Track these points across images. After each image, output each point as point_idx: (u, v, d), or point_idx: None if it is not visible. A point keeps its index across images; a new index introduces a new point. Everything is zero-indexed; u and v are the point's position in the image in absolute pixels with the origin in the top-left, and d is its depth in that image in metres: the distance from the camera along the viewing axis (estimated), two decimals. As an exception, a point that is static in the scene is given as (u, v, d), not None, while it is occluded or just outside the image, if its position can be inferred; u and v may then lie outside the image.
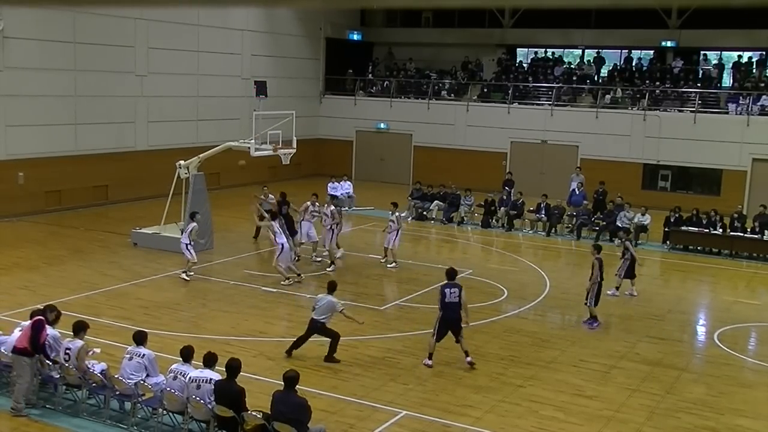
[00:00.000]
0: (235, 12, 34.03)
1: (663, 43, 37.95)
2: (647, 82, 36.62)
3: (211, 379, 10.52)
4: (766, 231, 24.81)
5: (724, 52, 38.42)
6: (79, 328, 11.76)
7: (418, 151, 38.13)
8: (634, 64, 39.38)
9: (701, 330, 18.04)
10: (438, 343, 14.14)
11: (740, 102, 33.37)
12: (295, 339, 14.31)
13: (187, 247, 19.26)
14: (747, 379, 14.32)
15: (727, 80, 36.69)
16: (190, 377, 10.69)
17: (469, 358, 14.10)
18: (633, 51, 39.83)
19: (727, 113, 33.41)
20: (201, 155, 22.69)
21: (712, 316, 18.89)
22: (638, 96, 35.51)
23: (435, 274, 20.68)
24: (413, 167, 37.91)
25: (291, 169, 26.96)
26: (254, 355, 14.13)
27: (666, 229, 26.04)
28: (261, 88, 23.31)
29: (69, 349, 11.53)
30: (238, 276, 19.76)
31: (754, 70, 36.38)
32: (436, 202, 29.37)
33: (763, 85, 34.51)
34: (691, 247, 25.46)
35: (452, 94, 39.17)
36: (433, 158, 36.71)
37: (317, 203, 21.91)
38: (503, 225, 28.04)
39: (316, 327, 14.04)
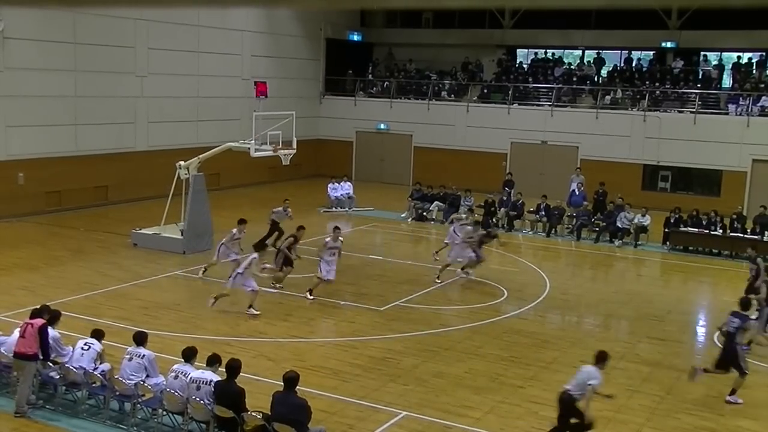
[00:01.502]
0: (235, 12, 34.03)
1: (663, 44, 37.94)
2: (647, 82, 36.63)
3: (211, 381, 10.53)
4: (766, 232, 24.82)
5: (723, 53, 38.41)
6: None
7: (418, 151, 38.14)
8: (634, 64, 39.38)
9: (701, 331, 18.06)
10: (441, 342, 14.12)
11: (740, 103, 33.38)
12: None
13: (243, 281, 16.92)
14: (747, 380, 14.29)
15: (727, 81, 36.68)
16: (191, 377, 10.70)
17: None
18: (633, 52, 39.83)
19: (727, 114, 33.42)
20: (201, 156, 22.70)
21: (712, 317, 18.88)
22: (638, 97, 35.52)
23: (433, 275, 20.71)
24: (413, 168, 37.92)
25: (291, 169, 26.99)
26: (254, 356, 14.13)
27: (666, 230, 26.04)
28: (262, 88, 23.32)
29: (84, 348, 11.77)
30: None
31: (754, 71, 36.36)
32: (436, 202, 29.37)
33: (762, 86, 34.50)
34: (691, 248, 25.46)
35: (452, 95, 39.18)
36: (433, 159, 36.71)
37: (340, 237, 18.70)
38: (503, 226, 28.04)
39: (562, 400, 11.07)
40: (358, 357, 14.48)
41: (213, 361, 10.85)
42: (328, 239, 18.41)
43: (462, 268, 20.66)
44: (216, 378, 10.59)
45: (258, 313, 16.69)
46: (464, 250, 20.63)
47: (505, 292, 19.52)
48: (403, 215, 29.54)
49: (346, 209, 30.22)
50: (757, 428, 12.13)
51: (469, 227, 21.07)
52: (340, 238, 18.62)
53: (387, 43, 43.39)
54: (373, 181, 37.50)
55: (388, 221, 28.78)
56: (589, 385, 10.80)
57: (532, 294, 19.49)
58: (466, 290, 19.76)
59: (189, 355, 11.11)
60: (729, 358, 13.23)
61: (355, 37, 42.47)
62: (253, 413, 10.23)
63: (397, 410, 12.15)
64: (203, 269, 19.67)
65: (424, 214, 29.30)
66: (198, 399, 10.47)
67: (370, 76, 41.89)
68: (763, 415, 12.62)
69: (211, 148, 23.32)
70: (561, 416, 11.05)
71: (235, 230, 19.22)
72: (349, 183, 31.71)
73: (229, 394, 10.30)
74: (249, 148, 22.05)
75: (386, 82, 40.74)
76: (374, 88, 40.78)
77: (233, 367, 10.46)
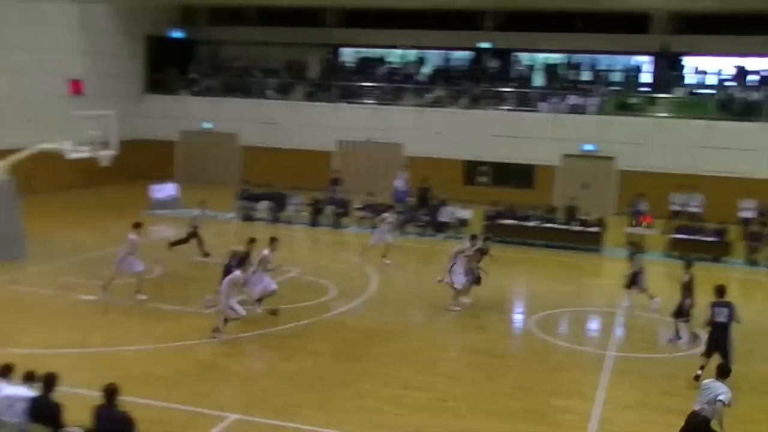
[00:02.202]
0: (48, 6, 32.22)
1: (479, 45, 39.58)
2: (466, 82, 38.09)
3: (26, 397, 9.96)
4: (574, 222, 26.53)
5: (535, 54, 40.61)
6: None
7: (244, 150, 37.75)
8: (453, 64, 40.83)
9: (519, 318, 19.04)
10: (270, 342, 14.07)
11: (550, 101, 35.43)
12: None
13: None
14: (560, 362, 15.25)
15: (538, 80, 38.81)
16: (4, 395, 10.07)
17: None
18: (452, 52, 41.28)
19: (538, 111, 35.36)
20: (10, 158, 21.37)
21: (528, 304, 19.97)
22: (458, 95, 36.87)
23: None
24: (240, 167, 37.48)
25: (112, 172, 25.90)
26: (73, 368, 13.48)
27: (486, 223, 27.23)
28: (76, 87, 22.26)
29: None
30: (55, 285, 18.78)
31: (561, 71, 38.74)
32: (263, 202, 29.21)
33: (570, 85, 36.83)
34: (508, 239, 26.75)
35: (279, 94, 39.06)
36: (261, 158, 36.44)
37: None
38: (331, 223, 28.32)
39: (695, 423, 10.47)
40: (185, 362, 14.17)
41: (29, 377, 10.27)
42: (265, 252, 17.19)
43: (456, 294, 18.49)
44: (31, 394, 10.04)
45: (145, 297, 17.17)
46: (384, 234, 22.77)
47: (334, 288, 19.72)
48: (230, 215, 29.15)
49: (171, 211, 29.41)
50: (572, 406, 12.92)
51: (467, 243, 19.28)
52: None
53: (211, 40, 42.57)
54: (200, 182, 36.72)
55: (216, 222, 28.29)
56: (719, 400, 10.26)
57: (360, 290, 19.80)
58: (295, 289, 19.77)
59: (3, 371, 10.46)
60: (719, 346, 13.85)
61: (177, 35, 41.37)
62: (69, 429, 9.77)
63: (227, 414, 12.00)
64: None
65: (251, 213, 29.06)
66: (9, 418, 9.87)
67: (193, 74, 40.97)
68: (577, 394, 13.47)
69: (21, 150, 21.99)
70: None
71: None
72: (173, 185, 30.89)
73: (45, 409, 9.78)
74: (64, 150, 21.00)
75: (210, 81, 40.00)
76: (198, 87, 39.93)
77: (49, 381, 9.95)
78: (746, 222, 28.14)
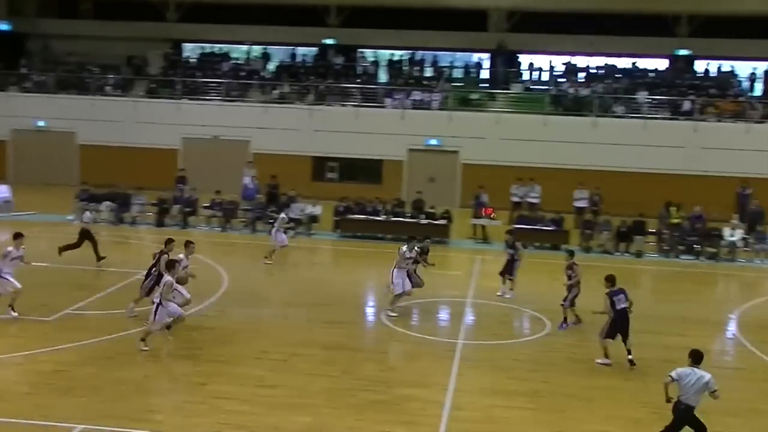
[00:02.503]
0: None
1: (324, 41, 39.77)
2: (311, 77, 38.16)
3: None
4: (421, 215, 27.19)
5: (379, 51, 41.27)
6: None
7: (83, 149, 36.16)
8: (298, 60, 40.79)
9: (371, 311, 19.30)
10: (120, 348, 13.57)
11: (395, 97, 36.10)
12: None
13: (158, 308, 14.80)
14: (412, 352, 15.61)
15: (383, 77, 39.44)
16: None
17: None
18: (297, 48, 41.23)
19: (384, 107, 35.94)
20: None
21: (379, 297, 20.24)
22: (304, 91, 36.88)
23: (108, 278, 19.90)
24: (79, 167, 35.85)
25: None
26: None
27: (336, 218, 27.44)
28: None
29: None
30: None
31: (405, 68, 39.56)
32: (106, 202, 28.10)
33: (413, 81, 37.68)
34: (359, 234, 27.06)
35: (118, 90, 37.66)
36: (101, 157, 35.01)
37: (22, 246, 16.99)
38: (178, 223, 27.64)
39: (680, 411, 10.98)
40: (24, 374, 13.44)
41: None
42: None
43: (396, 296, 18.13)
44: None
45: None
46: (280, 234, 22.79)
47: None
48: (70, 217, 27.85)
49: (4, 215, 27.76)
50: (425, 395, 13.25)
51: (403, 247, 18.58)
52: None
53: (42, 34, 40.49)
54: (36, 182, 34.85)
55: (54, 225, 26.96)
56: (713, 391, 10.95)
57: (211, 290, 19.46)
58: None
59: None
60: (623, 330, 14.80)
61: (3, 27, 39.01)
62: None
63: (73, 425, 11.50)
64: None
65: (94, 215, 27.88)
66: None
67: (23, 69, 38.78)
68: (428, 383, 13.82)
69: None
70: (676, 427, 11.01)
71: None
72: (5, 186, 29.17)
73: None
74: None
75: (43, 76, 38.01)
76: (29, 83, 37.85)
77: None
78: (580, 211, 29.82)
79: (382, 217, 27.14)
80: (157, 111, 36.16)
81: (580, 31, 38.04)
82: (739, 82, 38.11)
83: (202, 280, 20.42)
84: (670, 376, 11.03)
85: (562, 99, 36.29)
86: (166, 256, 16.46)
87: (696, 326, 17.61)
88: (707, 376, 10.96)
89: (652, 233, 26.86)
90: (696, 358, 11.21)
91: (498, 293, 19.87)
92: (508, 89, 37.65)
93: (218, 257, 23.39)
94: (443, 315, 19.06)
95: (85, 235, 21.68)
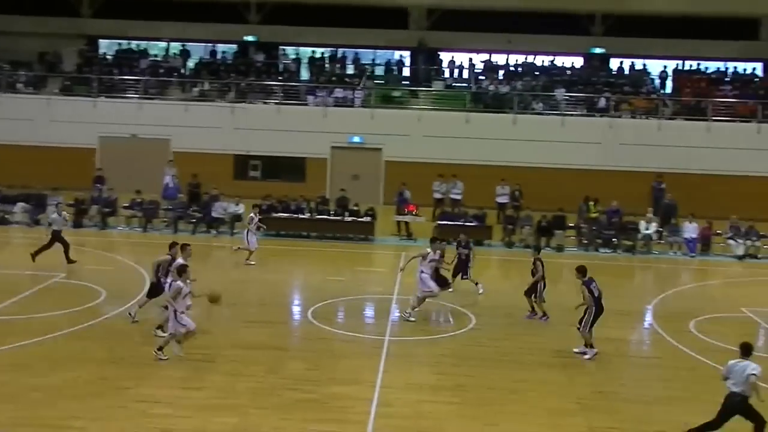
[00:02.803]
0: None
1: (245, 38, 39.37)
2: (232, 75, 37.73)
3: None
4: (346, 213, 27.20)
5: (300, 48, 41.11)
6: None
7: (-6, 149, 34.92)
8: (219, 58, 40.29)
9: (297, 309, 19.22)
10: (38, 352, 13.15)
11: (317, 94, 36.00)
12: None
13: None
14: (339, 350, 15.60)
15: (305, 74, 39.29)
16: None
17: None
18: (217, 45, 40.72)
19: (307, 105, 35.79)
20: None
21: (305, 295, 20.22)
22: (225, 89, 36.44)
23: (23, 282, 19.28)
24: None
25: None
26: None
27: (259, 217, 27.14)
28: None
29: None
30: None
31: (327, 65, 39.49)
32: (20, 204, 27.20)
33: (335, 78, 37.64)
34: (283, 232, 26.89)
35: (30, 87, 36.48)
36: (13, 156, 33.79)
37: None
38: (97, 224, 26.98)
39: (735, 403, 11.22)
40: (-63, 383, 12.91)
41: None
42: (180, 260, 15.78)
43: (420, 299, 17.80)
44: None
45: None
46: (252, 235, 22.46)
47: (103, 292, 18.82)
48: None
49: None
50: (352, 392, 13.27)
51: (428, 249, 18.21)
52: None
53: (-53, 29, 38.90)
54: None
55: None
56: (752, 374, 10.95)
57: (133, 291, 19.02)
58: (61, 295, 18.66)
59: None
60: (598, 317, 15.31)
61: None
62: None
63: (-10, 434, 11.13)
64: None
65: (6, 216, 26.99)
66: None
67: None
68: (356, 380, 13.83)
69: None
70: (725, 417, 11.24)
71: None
72: None
73: None
74: None
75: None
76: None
77: None
78: (502, 207, 30.32)
79: (306, 216, 27.04)
80: (72, 109, 35.16)
81: (498, 29, 38.69)
82: (651, 79, 39.34)
83: (123, 282, 20.04)
84: (722, 374, 11.47)
85: (483, 96, 36.81)
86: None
87: (615, 317, 18.04)
88: (753, 365, 11.16)
89: (571, 227, 27.51)
90: (745, 351, 11.43)
91: (480, 292, 20.00)
92: (430, 87, 37.98)
93: (140, 258, 22.89)
94: (369, 312, 19.09)
95: (57, 236, 21.26)
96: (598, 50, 39.87)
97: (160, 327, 15.66)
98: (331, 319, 17.73)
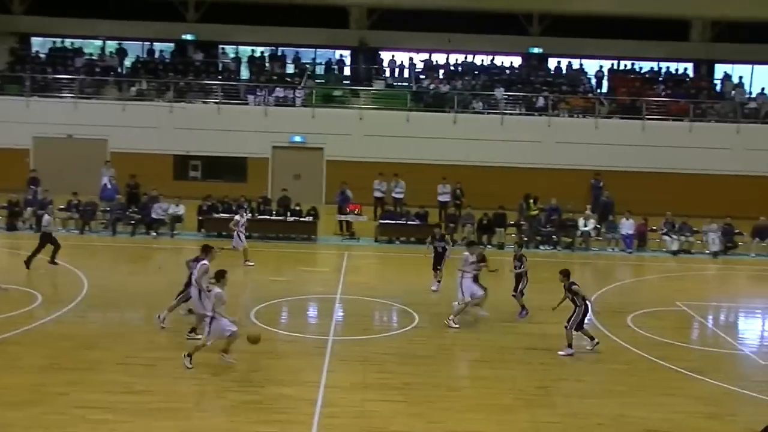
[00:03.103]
0: None
1: (183, 37, 38.87)
2: (171, 74, 37.20)
3: None
4: (288, 213, 27.08)
5: (240, 47, 40.77)
6: None
7: None
8: (156, 56, 39.69)
9: (238, 311, 19.01)
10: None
11: (258, 94, 35.73)
12: None
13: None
14: (282, 351, 15.52)
15: (245, 73, 38.96)
16: None
17: None
18: (155, 43, 40.11)
19: (247, 104, 35.50)
20: None
21: (247, 296, 20.01)
22: (164, 88, 35.91)
23: None
24: None
25: None
26: None
27: (200, 218, 26.89)
28: None
29: None
30: None
31: (267, 64, 39.23)
32: (-51, 206, 26.44)
33: (276, 78, 37.42)
34: (224, 233, 26.56)
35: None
36: (-58, 158, 32.84)
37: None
38: (32, 226, 26.32)
39: None
40: None
41: None
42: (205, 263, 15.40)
43: (465, 304, 17.53)
44: None
45: None
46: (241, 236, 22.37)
47: (39, 296, 18.38)
48: None
49: None
50: (295, 393, 13.21)
51: (465, 253, 17.78)
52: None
53: None
54: None
55: None
56: None
57: (70, 295, 18.65)
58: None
59: None
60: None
61: None
62: None
63: None
64: None
65: (-64, 220, 26.20)
66: None
67: None
68: (298, 381, 13.78)
69: None
70: None
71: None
72: None
73: None
74: None
75: None
76: None
77: None
78: (443, 205, 30.54)
79: (248, 216, 26.79)
80: (4, 109, 34.22)
81: (438, 28, 38.96)
82: (588, 79, 40.08)
83: (59, 285, 19.62)
84: None
85: (423, 95, 37.01)
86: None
87: (555, 313, 18.35)
88: None
89: (512, 225, 27.87)
90: None
91: (433, 288, 20.03)
92: (371, 86, 38.04)
93: (77, 261, 22.45)
94: (312, 312, 19.05)
95: (47, 238, 21.17)
96: (536, 50, 40.45)
97: (194, 330, 15.55)
98: (274, 320, 17.64)
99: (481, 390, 13.68)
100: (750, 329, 19.44)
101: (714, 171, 34.23)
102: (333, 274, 21.95)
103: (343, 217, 27.81)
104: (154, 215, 26.60)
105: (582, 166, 33.54)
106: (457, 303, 17.65)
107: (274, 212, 27.32)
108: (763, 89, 39.16)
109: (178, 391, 13.09)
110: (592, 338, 15.94)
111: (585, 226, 27.59)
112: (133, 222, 26.80)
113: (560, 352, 15.58)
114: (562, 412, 12.81)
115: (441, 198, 30.88)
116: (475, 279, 17.79)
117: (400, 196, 30.98)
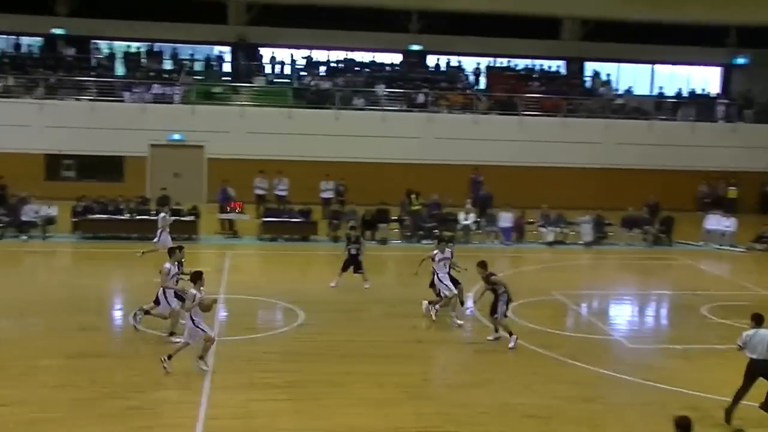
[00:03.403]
0: None
1: (53, 31, 37.35)
2: (40, 70, 35.68)
3: None
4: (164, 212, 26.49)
5: (114, 42, 39.51)
6: None
7: None
8: (24, 51, 37.99)
9: (119, 314, 18.48)
10: None
11: (134, 90, 34.72)
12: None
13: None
14: (164, 353, 15.14)
15: (120, 70, 37.79)
16: None
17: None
18: (22, 37, 38.37)
19: (123, 101, 34.44)
20: None
21: (127, 299, 19.46)
22: (32, 84, 34.40)
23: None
24: None
25: None
26: None
27: (74, 219, 25.94)
28: None
29: None
30: None
31: (144, 60, 38.19)
32: None
33: (153, 74, 36.47)
34: (101, 235, 25.78)
35: None
36: None
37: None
38: None
39: (762, 367, 12.08)
40: None
41: None
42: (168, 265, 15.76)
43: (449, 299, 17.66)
44: None
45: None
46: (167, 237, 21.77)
47: None
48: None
49: None
50: (178, 396, 12.95)
51: (434, 251, 18.00)
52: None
53: None
54: None
55: None
56: None
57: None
58: None
59: None
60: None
61: None
62: None
63: None
64: None
65: None
66: None
67: None
68: (181, 383, 13.49)
69: None
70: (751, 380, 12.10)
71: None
72: None
73: None
74: None
75: None
76: None
77: None
78: (326, 202, 30.58)
79: (125, 216, 26.07)
80: None
81: (319, 25, 38.95)
82: (466, 76, 40.99)
83: None
84: (738, 344, 12.26)
85: (305, 92, 36.90)
86: (168, 267, 15.85)
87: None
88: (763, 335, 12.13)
89: (394, 220, 28.19)
90: (758, 320, 12.34)
91: (331, 284, 20.05)
92: (251, 83, 37.63)
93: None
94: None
95: None
96: (415, 47, 41.02)
97: (173, 333, 15.36)
98: (156, 322, 17.19)
99: (366, 384, 13.78)
100: (620, 315, 20.38)
101: (586, 165, 35.70)
102: (215, 274, 21.59)
103: (225, 216, 27.42)
104: (24, 218, 25.46)
105: (462, 161, 34.29)
106: (426, 302, 17.85)
107: (153, 212, 26.63)
108: (629, 87, 41.17)
109: (53, 400, 12.57)
110: (496, 330, 16.33)
111: (465, 220, 28.24)
112: (1, 225, 25.56)
113: (510, 345, 15.81)
114: (445, 403, 13.07)
115: (324, 195, 30.91)
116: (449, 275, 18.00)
117: (284, 193, 30.81)
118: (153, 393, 13.04)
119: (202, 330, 13.93)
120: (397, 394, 13.36)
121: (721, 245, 28.45)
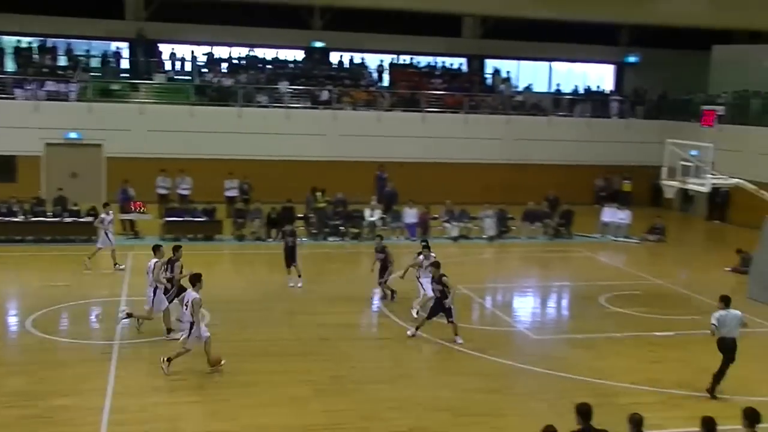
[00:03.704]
0: None
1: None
2: None
3: None
4: (64, 213, 25.63)
5: (3, 37, 37.95)
6: None
7: None
8: None
9: (13, 320, 17.77)
10: None
11: (26, 87, 33.37)
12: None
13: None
14: (64, 359, 14.68)
15: (10, 65, 36.28)
16: None
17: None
18: None
19: (14, 98, 33.05)
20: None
21: (22, 304, 18.76)
22: None
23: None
24: None
25: None
26: None
27: (-37, 223, 24.80)
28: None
29: None
30: None
31: (36, 56, 36.78)
32: None
33: (46, 70, 35.16)
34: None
35: None
36: None
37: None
38: None
39: (730, 345, 13.32)
40: None
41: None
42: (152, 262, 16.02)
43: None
44: None
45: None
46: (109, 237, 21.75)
47: None
48: None
49: None
50: (73, 403, 12.54)
51: (420, 257, 18.28)
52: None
53: None
54: None
55: None
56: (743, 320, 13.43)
57: None
58: None
59: None
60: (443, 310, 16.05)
61: None
62: None
63: None
64: None
65: None
66: None
67: None
68: (79, 390, 13.07)
69: None
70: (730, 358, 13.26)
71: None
72: None
73: None
74: None
75: None
76: None
77: None
78: (231, 200, 30.18)
79: (20, 218, 25.09)
80: None
81: (220, 21, 38.37)
82: (370, 73, 41.12)
83: None
84: (713, 324, 13.17)
85: (207, 89, 36.27)
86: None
87: (345, 303, 18.79)
88: (739, 312, 13.40)
89: (300, 218, 28.04)
90: (726, 301, 13.38)
91: (290, 284, 20.01)
92: (151, 79, 36.74)
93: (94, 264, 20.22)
94: (96, 316, 18.14)
95: None
96: (318, 44, 40.88)
97: (170, 330, 15.83)
98: (53, 327, 16.64)
99: (275, 384, 13.71)
100: (523, 307, 20.88)
101: (487, 160, 36.35)
102: (117, 276, 21.05)
103: (125, 216, 26.70)
104: None
105: (367, 158, 34.36)
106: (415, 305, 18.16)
107: (49, 213, 25.73)
108: (529, 84, 42.16)
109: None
110: (418, 328, 16.50)
111: (371, 216, 28.36)
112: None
113: (458, 341, 16.10)
114: (354, 399, 13.14)
115: (228, 193, 30.49)
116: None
117: (187, 192, 30.22)
118: (52, 400, 12.63)
119: (204, 335, 13.93)
120: (305, 392, 13.34)
121: (616, 237, 29.49)
